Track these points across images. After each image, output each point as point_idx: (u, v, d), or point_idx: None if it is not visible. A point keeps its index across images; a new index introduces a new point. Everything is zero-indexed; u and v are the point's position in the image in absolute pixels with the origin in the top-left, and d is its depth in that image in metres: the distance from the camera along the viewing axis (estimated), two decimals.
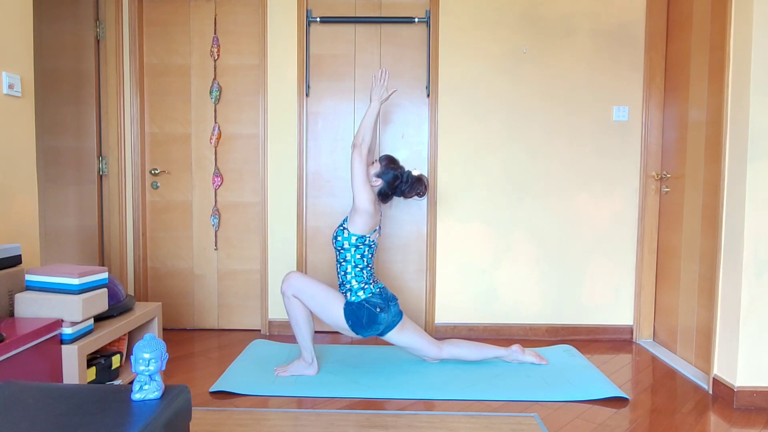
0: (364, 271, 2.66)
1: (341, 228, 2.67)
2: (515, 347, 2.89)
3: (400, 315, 2.71)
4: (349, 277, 2.65)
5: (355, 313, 2.59)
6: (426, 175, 3.46)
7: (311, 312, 2.66)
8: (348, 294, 2.64)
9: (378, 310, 2.60)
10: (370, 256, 2.68)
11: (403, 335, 2.72)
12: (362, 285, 2.64)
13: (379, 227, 2.75)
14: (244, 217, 3.53)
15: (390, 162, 2.72)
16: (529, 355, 2.88)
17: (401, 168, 2.74)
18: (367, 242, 2.65)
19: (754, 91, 2.36)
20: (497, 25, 3.36)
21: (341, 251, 2.67)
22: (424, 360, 2.91)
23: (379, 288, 2.69)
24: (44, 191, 3.43)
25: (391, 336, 2.70)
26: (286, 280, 2.64)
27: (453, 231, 3.44)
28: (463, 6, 3.35)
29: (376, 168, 2.71)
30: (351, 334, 2.66)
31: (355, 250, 2.64)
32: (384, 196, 2.74)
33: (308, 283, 2.63)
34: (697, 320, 2.90)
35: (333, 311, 2.61)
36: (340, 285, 2.70)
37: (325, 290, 2.64)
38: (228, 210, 3.53)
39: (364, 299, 2.62)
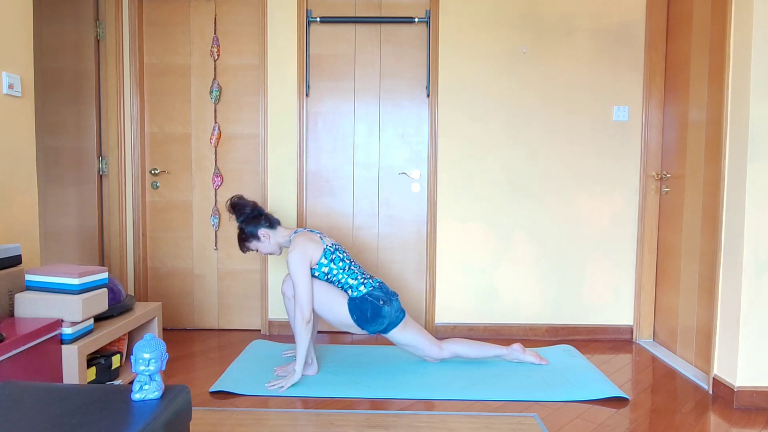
0: (353, 268, 2.67)
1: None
2: (516, 346, 2.89)
3: (402, 312, 2.71)
4: (344, 280, 2.65)
5: (359, 307, 2.59)
6: (426, 175, 3.46)
7: (314, 312, 2.65)
8: (350, 291, 2.64)
9: (381, 302, 2.61)
10: (344, 255, 2.69)
11: (406, 333, 2.72)
12: (361, 280, 2.64)
13: (321, 234, 2.73)
14: None
15: (244, 229, 2.71)
16: (529, 354, 2.88)
17: (242, 216, 2.72)
18: (333, 254, 2.64)
19: (754, 91, 2.36)
20: (497, 25, 3.36)
21: (324, 275, 2.66)
22: (425, 360, 2.91)
23: (378, 282, 2.70)
24: (44, 191, 3.43)
25: (394, 334, 2.70)
26: (286, 280, 2.64)
27: (453, 231, 3.44)
28: (463, 6, 3.35)
29: (258, 237, 2.70)
30: (356, 330, 2.66)
31: (332, 266, 2.64)
32: (268, 226, 2.71)
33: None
34: (697, 320, 2.90)
35: (336, 308, 2.61)
36: (339, 288, 2.70)
37: (327, 288, 2.64)
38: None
39: (367, 293, 2.62)
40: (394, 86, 3.45)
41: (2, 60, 2.27)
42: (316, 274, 2.64)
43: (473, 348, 2.83)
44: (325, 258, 2.62)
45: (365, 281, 2.65)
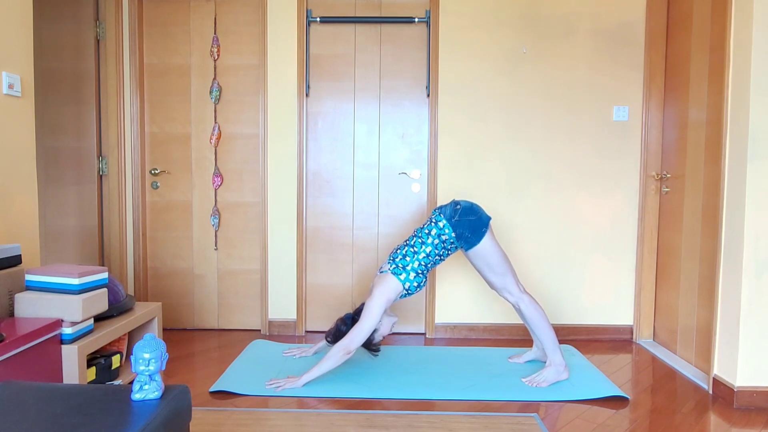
0: (412, 245, 2.69)
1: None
2: (563, 368, 2.71)
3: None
4: (428, 247, 2.65)
5: (457, 229, 2.64)
6: (425, 175, 3.46)
7: (495, 272, 2.68)
8: (442, 236, 2.64)
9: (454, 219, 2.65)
10: (402, 252, 2.68)
11: (497, 248, 2.69)
12: (426, 232, 2.67)
13: (381, 267, 2.74)
14: (244, 217, 3.53)
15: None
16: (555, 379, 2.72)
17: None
18: (397, 265, 2.64)
19: (754, 91, 2.36)
20: (497, 25, 3.36)
21: (422, 265, 2.66)
22: (500, 294, 2.75)
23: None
24: (44, 191, 3.43)
25: (486, 244, 2.64)
26: (516, 293, 2.69)
27: None
28: (463, 6, 3.36)
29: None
30: (483, 244, 2.66)
31: (414, 265, 2.64)
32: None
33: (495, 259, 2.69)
34: (697, 320, 2.90)
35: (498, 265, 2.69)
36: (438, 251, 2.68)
37: (500, 259, 2.69)
38: (228, 210, 3.53)
39: (444, 227, 2.65)
40: (394, 86, 3.45)
41: (2, 60, 2.27)
42: (419, 281, 2.64)
43: (543, 320, 2.69)
44: (401, 274, 2.61)
45: (429, 230, 2.66)
